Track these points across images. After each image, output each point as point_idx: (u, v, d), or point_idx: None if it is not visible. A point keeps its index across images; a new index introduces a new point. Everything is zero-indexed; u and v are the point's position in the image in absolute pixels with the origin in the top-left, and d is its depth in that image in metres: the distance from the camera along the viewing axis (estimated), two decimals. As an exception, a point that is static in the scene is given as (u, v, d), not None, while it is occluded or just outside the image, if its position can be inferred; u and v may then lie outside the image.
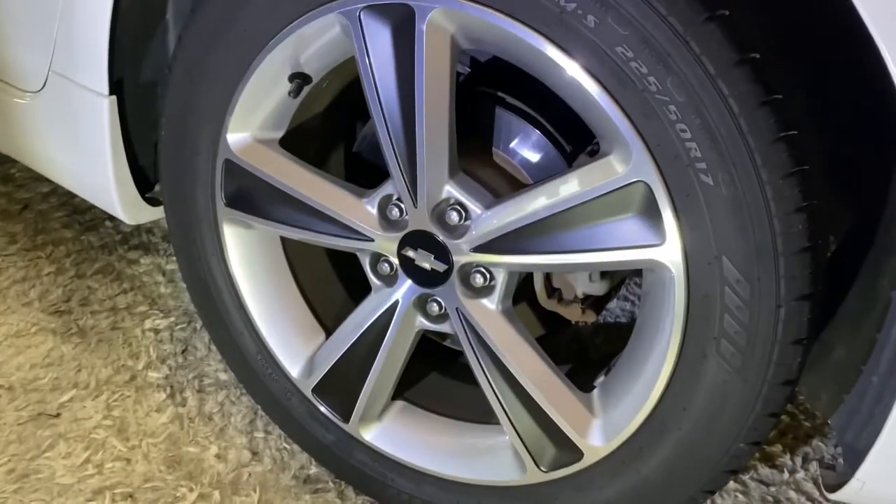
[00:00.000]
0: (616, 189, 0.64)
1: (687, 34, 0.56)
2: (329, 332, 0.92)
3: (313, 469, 0.96)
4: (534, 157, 0.79)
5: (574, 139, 0.77)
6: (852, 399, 0.73)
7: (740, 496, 1.02)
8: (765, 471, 1.07)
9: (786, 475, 1.05)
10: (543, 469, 0.78)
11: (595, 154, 0.69)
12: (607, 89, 0.61)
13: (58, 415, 0.98)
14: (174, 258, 1.09)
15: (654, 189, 0.62)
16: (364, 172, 0.92)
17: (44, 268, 1.21)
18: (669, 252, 0.64)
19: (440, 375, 0.94)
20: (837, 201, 0.78)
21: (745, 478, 1.05)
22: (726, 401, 0.66)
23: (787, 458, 1.09)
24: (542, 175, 0.78)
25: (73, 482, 0.90)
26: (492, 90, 0.79)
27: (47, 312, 1.13)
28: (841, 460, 0.73)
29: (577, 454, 0.76)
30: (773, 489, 1.04)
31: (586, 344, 1.17)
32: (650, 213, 0.63)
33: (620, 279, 0.84)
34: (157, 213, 1.00)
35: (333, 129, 0.90)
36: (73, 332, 1.10)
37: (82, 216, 1.31)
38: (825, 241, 0.73)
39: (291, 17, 0.73)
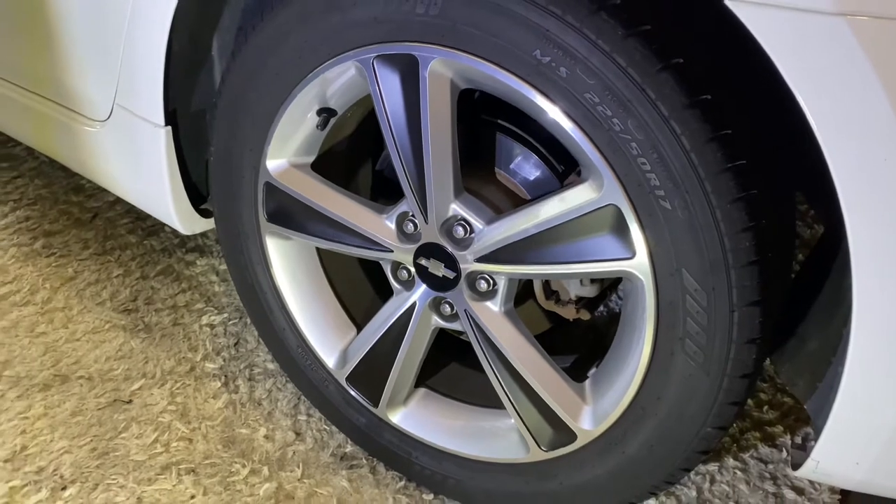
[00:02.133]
0: (592, 210, 0.74)
1: (644, 83, 0.66)
2: (359, 327, 1.04)
3: (349, 447, 1.09)
4: (530, 176, 0.89)
5: (564, 161, 0.87)
6: (824, 387, 0.81)
7: (739, 472, 1.11)
8: (765, 449, 1.15)
9: (784, 454, 1.14)
10: (544, 449, 0.89)
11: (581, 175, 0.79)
12: (581, 128, 0.71)
13: (130, 401, 1.13)
14: (221, 246, 1.22)
15: (623, 211, 0.72)
16: (387, 186, 1.04)
17: (113, 270, 1.36)
18: (639, 265, 0.73)
19: (458, 365, 1.05)
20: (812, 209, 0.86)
21: (746, 455, 1.14)
22: (693, 392, 0.76)
23: (787, 439, 1.17)
24: (539, 191, 0.89)
25: (144, 459, 1.05)
26: (493, 118, 0.89)
27: (118, 311, 1.28)
28: (812, 441, 0.83)
29: (572, 436, 0.87)
30: (770, 466, 1.13)
31: (602, 332, 1.27)
32: (622, 231, 0.73)
33: (609, 284, 0.94)
34: (209, 223, 1.14)
35: (359, 150, 1.02)
36: (140, 328, 1.25)
37: (144, 222, 1.46)
38: (788, 248, 0.81)
39: (315, 63, 0.84)
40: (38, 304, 1.27)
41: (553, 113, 0.71)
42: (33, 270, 1.33)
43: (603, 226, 0.74)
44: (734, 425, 1.18)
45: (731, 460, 1.13)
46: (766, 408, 1.20)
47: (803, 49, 0.56)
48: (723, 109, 0.67)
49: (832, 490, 1.09)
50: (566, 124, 0.71)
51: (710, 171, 0.66)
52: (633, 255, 0.73)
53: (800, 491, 1.08)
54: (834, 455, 0.74)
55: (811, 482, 1.10)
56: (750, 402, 1.22)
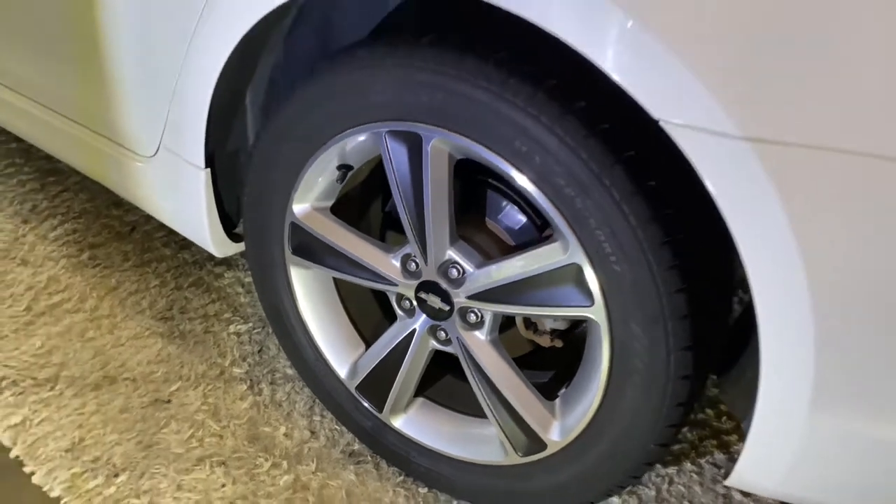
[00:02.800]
0: (560, 266, 0.91)
1: (600, 173, 0.82)
2: (368, 344, 1.21)
3: (356, 446, 1.26)
4: (515, 226, 1.05)
5: (542, 217, 1.03)
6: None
7: (695, 476, 1.27)
8: (720, 456, 1.30)
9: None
10: (520, 455, 1.06)
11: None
12: (551, 202, 0.87)
13: (169, 401, 1.31)
14: (250, 272, 1.39)
15: (584, 269, 0.88)
16: (394, 224, 1.20)
17: (151, 281, 1.54)
18: (596, 312, 0.90)
19: (452, 379, 1.21)
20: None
21: (702, 461, 1.30)
22: (639, 415, 0.93)
23: (741, 447, 1.32)
24: (522, 239, 1.05)
25: (182, 452, 1.23)
26: (486, 178, 1.06)
27: (156, 319, 1.45)
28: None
29: (543, 445, 1.04)
30: (723, 471, 1.29)
31: (573, 359, 1.43)
32: (583, 284, 0.90)
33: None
34: (239, 246, 1.30)
35: (371, 193, 1.18)
36: (175, 335, 1.42)
37: (177, 236, 1.61)
38: (726, 299, 0.98)
39: (337, 131, 1.00)
40: (87, 312, 1.45)
41: (529, 188, 0.88)
42: (81, 280, 1.51)
43: (569, 279, 0.91)
44: (694, 434, 1.35)
45: (689, 465, 1.30)
46: (724, 418, 1.37)
47: (717, 167, 0.72)
48: (664, 195, 0.83)
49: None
50: (540, 197, 0.88)
51: (652, 245, 0.83)
52: (592, 303, 0.90)
53: (746, 494, 1.25)
54: (753, 468, 0.90)
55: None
56: (710, 412, 1.39)
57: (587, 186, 0.83)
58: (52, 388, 1.29)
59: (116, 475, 1.17)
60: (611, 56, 0.73)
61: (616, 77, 0.74)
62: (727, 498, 1.25)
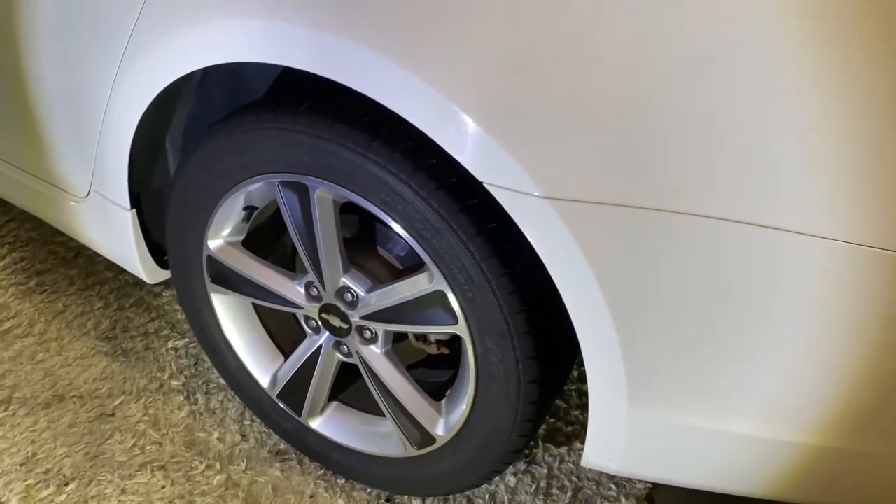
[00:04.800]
0: (429, 293, 1.08)
1: (448, 218, 0.98)
2: (286, 356, 1.38)
3: (282, 445, 1.43)
4: (402, 253, 1.22)
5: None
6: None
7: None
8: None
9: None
10: (415, 448, 1.24)
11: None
12: (416, 240, 1.03)
13: (113, 414, 1.46)
14: (178, 298, 1.52)
15: (447, 295, 1.05)
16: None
17: (95, 303, 1.67)
18: (461, 329, 1.07)
19: (363, 382, 1.39)
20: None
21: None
22: (502, 413, 1.11)
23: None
24: (408, 264, 1.22)
25: (125, 460, 1.38)
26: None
27: (100, 339, 1.60)
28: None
29: (432, 440, 1.21)
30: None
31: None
32: (449, 306, 1.07)
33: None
34: (169, 273, 1.45)
35: (280, 224, 1.34)
36: (119, 353, 1.57)
37: (119, 260, 1.77)
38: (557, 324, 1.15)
39: (238, 180, 1.15)
40: (37, 336, 1.59)
41: (398, 228, 1.04)
42: (30, 306, 1.65)
43: (437, 302, 1.08)
44: (584, 416, 1.53)
45: (579, 444, 1.48)
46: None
47: (527, 218, 0.89)
48: (502, 234, 1.00)
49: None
50: (407, 237, 1.04)
51: (495, 275, 1.00)
52: (456, 322, 1.07)
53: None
54: (595, 453, 1.09)
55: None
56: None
57: (439, 229, 1.00)
58: (6, 409, 1.44)
59: (66, 484, 1.33)
60: (443, 133, 0.90)
61: (448, 150, 0.90)
62: (611, 475, 1.44)
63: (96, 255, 1.78)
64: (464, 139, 0.89)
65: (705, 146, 0.82)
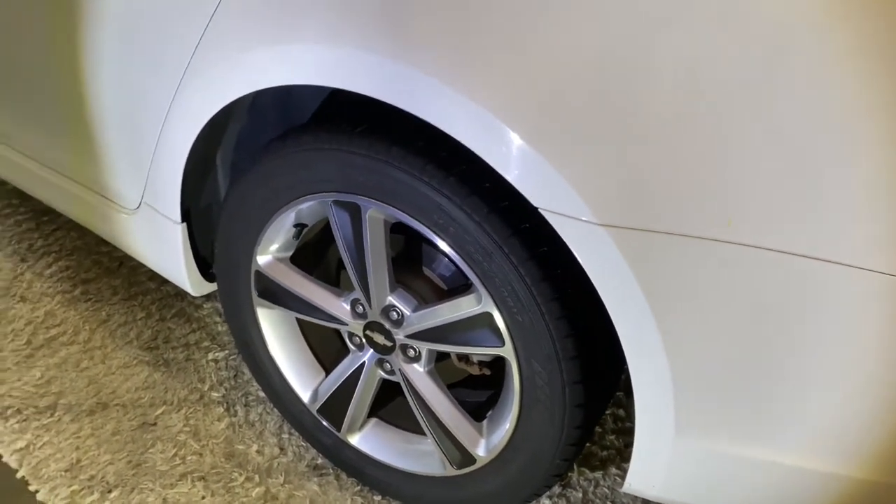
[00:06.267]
0: (476, 314, 1.09)
1: (500, 243, 1.00)
2: (328, 370, 1.39)
3: (320, 460, 1.44)
4: (447, 273, 1.23)
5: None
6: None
7: (619, 479, 1.47)
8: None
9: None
10: (454, 467, 1.25)
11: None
12: (466, 263, 1.05)
13: (155, 423, 1.48)
14: (223, 311, 1.55)
15: (495, 317, 1.07)
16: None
17: (138, 313, 1.71)
18: (507, 351, 1.08)
19: (403, 400, 1.40)
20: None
21: (627, 465, 1.49)
22: (545, 436, 1.11)
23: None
24: (453, 285, 1.23)
25: (167, 469, 1.41)
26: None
27: (142, 348, 1.63)
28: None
29: (473, 460, 1.22)
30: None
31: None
32: (495, 328, 1.08)
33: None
34: (214, 286, 1.48)
35: (328, 240, 1.36)
36: (160, 363, 1.60)
37: (161, 271, 1.80)
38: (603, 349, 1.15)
39: (291, 198, 1.18)
40: (81, 344, 1.62)
41: (448, 250, 1.06)
42: (75, 314, 1.68)
43: (484, 324, 1.09)
44: (621, 441, 1.53)
45: (614, 469, 1.48)
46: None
47: (583, 246, 0.90)
48: (553, 259, 1.01)
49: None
50: (456, 258, 1.06)
51: (544, 299, 1.01)
52: (503, 344, 1.08)
53: (661, 496, 1.44)
54: (638, 479, 1.09)
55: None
56: (637, 422, 1.57)
57: (491, 252, 1.01)
58: (51, 415, 1.47)
59: (110, 491, 1.35)
60: (498, 157, 0.91)
61: (504, 174, 0.92)
62: (648, 501, 1.44)
63: (139, 265, 1.82)
64: (519, 164, 0.90)
65: (762, 177, 0.83)
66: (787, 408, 0.93)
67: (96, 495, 1.34)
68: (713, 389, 0.94)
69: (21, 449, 1.41)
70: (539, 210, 0.91)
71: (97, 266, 1.81)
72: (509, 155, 0.90)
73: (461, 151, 0.97)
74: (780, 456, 0.97)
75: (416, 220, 1.06)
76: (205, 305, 1.74)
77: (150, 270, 1.79)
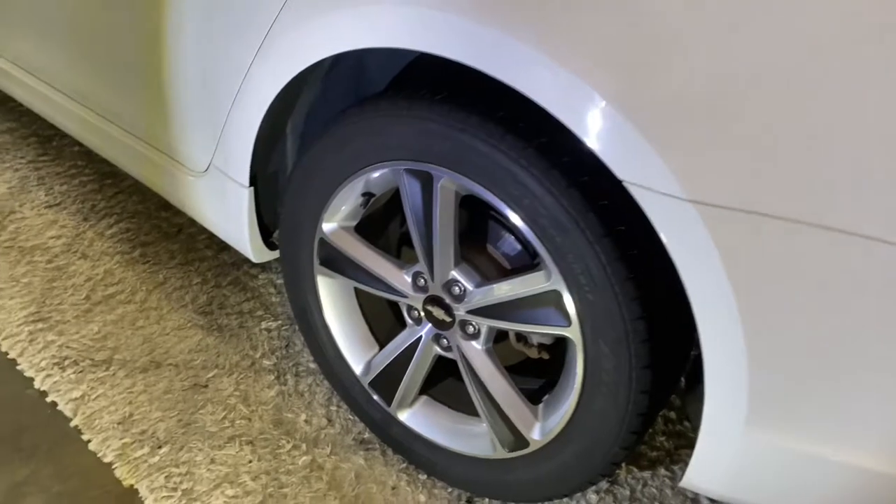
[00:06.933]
0: (543, 292, 1.07)
1: (577, 218, 0.98)
2: (381, 345, 1.38)
3: (367, 434, 1.43)
4: (511, 252, 1.21)
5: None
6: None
7: (667, 480, 1.43)
8: (692, 464, 1.47)
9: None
10: (506, 450, 1.23)
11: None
12: (538, 237, 1.03)
13: (206, 385, 1.49)
14: (282, 274, 1.56)
15: (563, 296, 1.04)
16: (410, 242, 1.37)
17: (194, 278, 1.72)
18: (573, 332, 1.06)
19: (453, 381, 1.38)
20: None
21: (676, 468, 1.46)
22: (606, 421, 1.09)
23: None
24: (517, 264, 1.21)
25: (216, 430, 1.41)
26: (488, 210, 1.22)
27: (197, 312, 1.64)
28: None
29: (526, 443, 1.20)
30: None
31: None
32: (563, 307, 1.06)
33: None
34: (275, 254, 1.48)
35: (391, 215, 1.35)
36: (214, 328, 1.61)
37: (219, 239, 1.79)
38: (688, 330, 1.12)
39: (362, 166, 1.17)
40: (138, 303, 1.64)
41: (520, 224, 1.04)
42: (133, 275, 1.70)
43: (551, 302, 1.07)
44: (671, 442, 1.50)
45: (663, 470, 1.45)
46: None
47: (667, 222, 0.87)
48: (631, 238, 0.99)
49: (740, 500, 1.41)
50: (528, 233, 1.04)
51: (619, 279, 0.98)
52: (569, 324, 1.06)
53: (713, 500, 1.40)
54: (700, 474, 1.05)
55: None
56: (688, 424, 1.54)
57: (566, 228, 0.99)
58: (106, 369, 1.49)
59: (160, 447, 1.36)
60: (585, 127, 0.89)
61: (589, 144, 0.90)
62: (695, 502, 1.40)
63: (197, 232, 1.84)
64: (606, 133, 0.88)
65: (864, 161, 0.80)
66: (868, 406, 0.89)
67: (146, 449, 1.35)
68: (791, 380, 0.91)
69: (76, 399, 1.42)
70: (624, 184, 0.89)
71: (156, 230, 1.83)
72: (596, 123, 0.88)
73: (542, 124, 0.95)
74: (855, 457, 0.93)
75: (490, 191, 1.05)
76: (260, 276, 1.74)
77: (208, 238, 1.82)
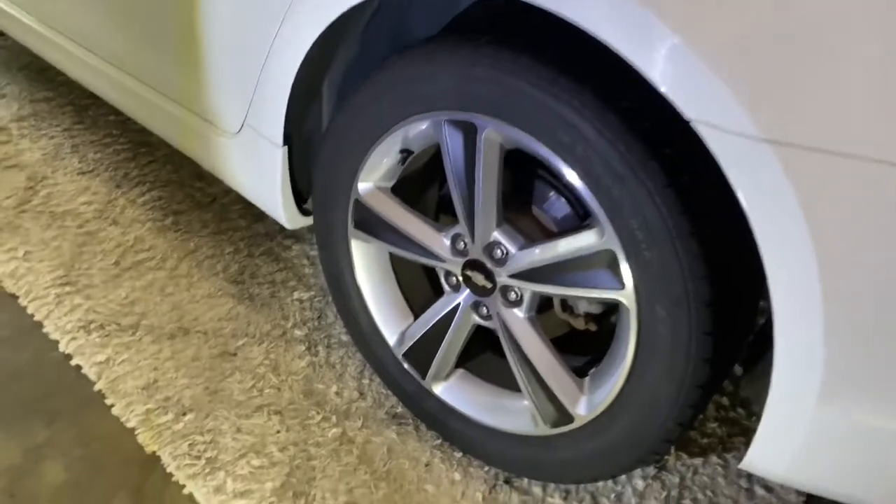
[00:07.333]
0: (595, 252, 0.99)
1: (636, 166, 0.90)
2: (416, 316, 1.31)
3: (400, 409, 1.37)
4: (558, 214, 1.13)
5: (583, 206, 1.11)
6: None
7: (719, 468, 1.33)
8: (746, 453, 1.37)
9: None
10: (548, 426, 1.15)
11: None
12: (591, 190, 0.95)
13: (235, 354, 1.44)
14: (315, 247, 1.51)
15: (618, 255, 0.96)
16: (448, 206, 1.30)
17: (226, 247, 1.67)
18: (626, 295, 0.98)
19: (490, 354, 1.31)
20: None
21: (729, 456, 1.36)
22: (661, 394, 1.00)
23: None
24: (563, 227, 1.13)
25: (243, 399, 1.36)
26: (534, 168, 1.14)
27: (228, 281, 1.59)
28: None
29: (570, 419, 1.12)
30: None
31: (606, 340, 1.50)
32: (615, 268, 0.98)
33: (614, 305, 1.18)
34: (308, 220, 1.43)
35: (428, 178, 1.28)
36: (245, 297, 1.56)
37: (253, 210, 1.76)
38: (754, 297, 1.03)
39: (402, 118, 1.11)
40: (168, 270, 1.59)
41: (571, 177, 0.96)
42: (164, 242, 1.66)
43: (602, 263, 0.99)
44: (724, 429, 1.40)
45: (715, 458, 1.35)
46: (753, 418, 1.42)
47: (740, 165, 0.79)
48: (695, 190, 0.90)
49: (798, 492, 1.31)
50: (580, 186, 0.96)
51: (681, 234, 0.90)
52: (622, 287, 0.97)
53: (769, 489, 1.30)
54: (763, 454, 0.96)
55: (782, 484, 1.32)
56: (742, 411, 1.44)
57: (623, 177, 0.91)
58: (133, 334, 1.44)
59: (184, 414, 1.31)
60: (651, 62, 0.81)
61: (655, 81, 0.81)
62: (750, 492, 1.30)
63: (231, 203, 1.79)
64: (673, 68, 0.80)
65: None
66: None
67: (171, 416, 1.30)
68: (871, 350, 0.81)
69: (101, 363, 1.38)
70: (692, 123, 0.81)
71: (189, 199, 1.79)
72: (661, 57, 0.80)
73: (598, 64, 0.87)
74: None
75: (539, 140, 0.97)
76: (293, 247, 1.69)
77: (243, 208, 1.77)
